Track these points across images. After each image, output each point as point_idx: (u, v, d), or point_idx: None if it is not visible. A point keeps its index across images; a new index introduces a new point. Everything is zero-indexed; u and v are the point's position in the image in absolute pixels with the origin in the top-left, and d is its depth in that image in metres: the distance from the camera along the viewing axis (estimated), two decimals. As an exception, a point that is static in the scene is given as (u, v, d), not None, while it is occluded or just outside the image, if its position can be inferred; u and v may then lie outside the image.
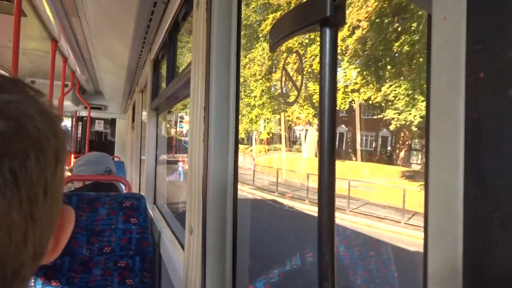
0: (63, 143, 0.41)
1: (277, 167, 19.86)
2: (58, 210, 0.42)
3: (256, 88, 23.20)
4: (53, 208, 0.40)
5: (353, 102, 20.37)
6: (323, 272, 0.45)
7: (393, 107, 16.61)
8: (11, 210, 0.34)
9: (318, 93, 0.46)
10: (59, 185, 0.41)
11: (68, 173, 3.31)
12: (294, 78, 0.79)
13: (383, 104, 18.08)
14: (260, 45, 22.47)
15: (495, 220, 0.38)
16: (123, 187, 2.84)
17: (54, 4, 3.01)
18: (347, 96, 19.73)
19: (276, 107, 23.93)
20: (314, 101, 21.90)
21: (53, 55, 3.82)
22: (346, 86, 19.47)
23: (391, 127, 17.58)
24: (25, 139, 0.36)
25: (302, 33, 0.49)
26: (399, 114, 16.26)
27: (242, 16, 1.23)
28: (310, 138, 24.33)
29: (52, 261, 2.12)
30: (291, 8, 0.51)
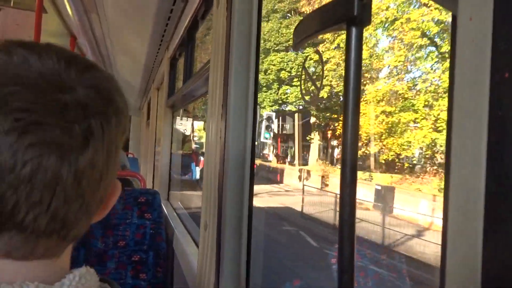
0: (127, 120, 0.53)
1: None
2: (116, 172, 0.51)
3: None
4: (116, 167, 0.50)
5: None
6: (343, 266, 0.45)
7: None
8: (98, 152, 0.44)
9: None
10: (119, 151, 0.51)
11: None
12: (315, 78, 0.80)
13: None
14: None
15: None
16: (138, 182, 2.88)
17: (74, 0, 3.06)
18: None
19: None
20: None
21: (72, 51, 3.88)
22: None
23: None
24: (112, 106, 0.48)
25: (327, 32, 0.50)
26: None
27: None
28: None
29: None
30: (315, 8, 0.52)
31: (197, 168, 15.09)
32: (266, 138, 17.76)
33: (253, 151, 1.27)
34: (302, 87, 0.85)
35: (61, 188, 0.42)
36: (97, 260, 2.12)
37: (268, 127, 16.79)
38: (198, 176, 14.27)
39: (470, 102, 0.42)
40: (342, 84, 0.47)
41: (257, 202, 13.76)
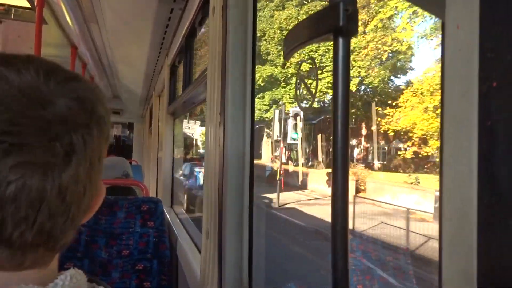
0: (110, 128, 0.54)
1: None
2: (100, 178, 0.53)
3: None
4: (99, 175, 0.52)
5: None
6: (337, 277, 0.45)
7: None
8: (81, 166, 0.46)
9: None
10: (102, 159, 0.52)
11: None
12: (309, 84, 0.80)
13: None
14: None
15: (510, 227, 0.38)
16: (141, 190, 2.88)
17: (74, 11, 3.07)
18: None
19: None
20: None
21: (72, 61, 3.90)
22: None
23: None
24: (94, 117, 0.49)
25: (315, 42, 0.50)
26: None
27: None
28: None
29: (72, 264, 2.15)
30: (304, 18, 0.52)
31: (200, 173, 14.74)
32: (294, 139, 14.57)
33: (252, 157, 1.27)
34: (298, 93, 0.85)
35: (45, 205, 0.44)
36: (102, 270, 2.12)
37: (295, 126, 13.81)
38: (202, 182, 14.08)
39: (460, 111, 0.41)
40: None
41: (288, 215, 11.93)
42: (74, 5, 2.92)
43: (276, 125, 15.01)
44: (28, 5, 3.03)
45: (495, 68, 0.38)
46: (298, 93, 0.83)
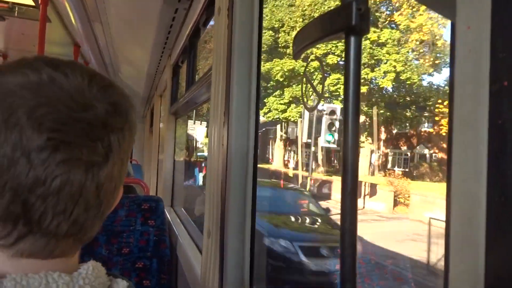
0: (136, 133, 0.58)
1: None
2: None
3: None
4: (125, 173, 0.56)
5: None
6: (345, 274, 0.45)
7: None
8: (115, 165, 0.51)
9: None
10: (128, 159, 0.57)
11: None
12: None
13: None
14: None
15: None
16: (142, 189, 2.88)
17: (77, 10, 3.08)
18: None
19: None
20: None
21: (75, 59, 3.91)
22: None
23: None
24: (127, 122, 0.53)
25: (326, 41, 0.50)
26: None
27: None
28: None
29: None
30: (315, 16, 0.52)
31: (200, 174, 14.57)
32: (329, 142, 11.14)
33: (256, 158, 1.27)
34: (304, 94, 0.85)
35: (83, 199, 0.48)
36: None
37: (331, 126, 10.81)
38: (201, 183, 13.99)
39: (470, 111, 0.42)
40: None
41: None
42: (78, 3, 2.92)
43: (306, 124, 13.49)
44: (32, 3, 3.04)
45: (505, 68, 0.39)
46: (304, 93, 0.84)
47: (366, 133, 19.78)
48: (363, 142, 19.50)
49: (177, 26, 2.51)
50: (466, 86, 0.43)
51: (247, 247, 1.27)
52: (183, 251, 2.15)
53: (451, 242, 0.47)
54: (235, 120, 1.24)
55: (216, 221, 1.34)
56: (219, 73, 1.36)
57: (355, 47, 0.44)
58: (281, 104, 21.60)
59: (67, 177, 0.46)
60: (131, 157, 7.39)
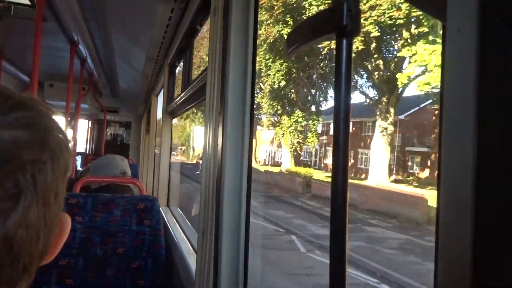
0: (70, 156, 0.48)
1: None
2: (60, 214, 0.47)
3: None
4: (59, 211, 0.46)
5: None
6: (334, 271, 0.46)
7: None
8: (30, 209, 0.40)
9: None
10: (64, 191, 0.47)
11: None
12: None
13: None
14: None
15: (507, 226, 0.39)
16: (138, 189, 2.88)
17: (73, 9, 3.07)
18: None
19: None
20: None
21: (71, 58, 3.90)
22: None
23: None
24: (46, 150, 0.42)
25: (317, 42, 0.50)
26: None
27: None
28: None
29: (67, 260, 2.14)
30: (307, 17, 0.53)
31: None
32: None
33: (250, 158, 1.28)
34: (298, 95, 0.85)
35: None
36: (96, 268, 2.11)
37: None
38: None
39: (459, 111, 0.42)
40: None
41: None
42: (74, 2, 2.92)
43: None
44: (29, 2, 3.03)
45: (494, 70, 0.39)
46: (298, 94, 0.84)
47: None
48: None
49: (174, 26, 2.51)
50: (455, 87, 0.43)
51: (242, 246, 1.27)
52: (179, 251, 2.15)
53: (440, 239, 0.47)
54: (230, 120, 1.24)
55: (210, 221, 1.34)
56: (214, 73, 1.36)
57: (346, 49, 0.45)
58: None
59: None
60: (128, 157, 7.39)
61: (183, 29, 2.40)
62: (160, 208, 2.39)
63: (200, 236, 1.46)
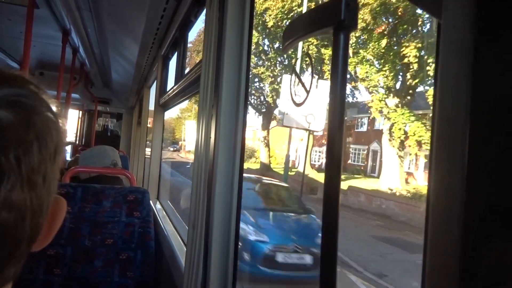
0: (62, 137, 0.45)
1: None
2: (53, 198, 0.45)
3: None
4: (49, 195, 0.44)
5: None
6: (325, 271, 0.46)
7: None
8: (13, 191, 0.38)
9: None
10: (56, 175, 0.44)
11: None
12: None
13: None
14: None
15: (496, 225, 0.39)
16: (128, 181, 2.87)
17: (67, -4, 3.03)
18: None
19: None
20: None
21: (63, 47, 3.85)
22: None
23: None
24: (31, 131, 0.40)
25: (314, 36, 0.51)
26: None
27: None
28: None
29: (55, 251, 2.13)
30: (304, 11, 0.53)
31: None
32: None
33: (243, 151, 1.28)
34: (292, 90, 0.86)
35: None
36: (85, 258, 2.11)
37: None
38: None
39: (453, 110, 0.43)
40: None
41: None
42: (68, -10, 2.88)
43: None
44: (20, -12, 2.98)
45: (489, 68, 0.39)
46: (293, 89, 0.84)
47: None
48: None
49: (168, 17, 2.49)
50: (449, 85, 0.44)
51: (232, 239, 1.28)
52: (168, 243, 2.15)
53: (429, 237, 0.48)
54: (223, 113, 1.24)
55: (201, 214, 1.34)
56: (208, 65, 1.35)
57: (343, 42, 0.45)
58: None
59: None
60: (118, 148, 7.34)
61: (177, 20, 2.39)
62: (151, 201, 2.39)
63: (191, 229, 1.46)
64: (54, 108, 0.45)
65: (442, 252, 0.46)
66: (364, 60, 15.30)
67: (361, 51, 15.28)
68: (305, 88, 0.83)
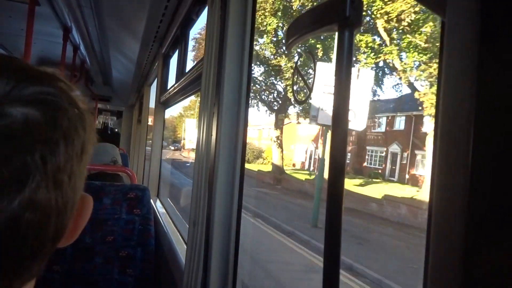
0: (90, 136, 0.44)
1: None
2: (79, 196, 0.45)
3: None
4: (75, 194, 0.43)
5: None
6: (328, 271, 0.46)
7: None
8: (38, 191, 0.37)
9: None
10: (82, 173, 0.44)
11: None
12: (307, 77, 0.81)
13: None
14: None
15: (500, 222, 0.40)
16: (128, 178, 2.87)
17: (68, -6, 3.03)
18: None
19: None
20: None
21: (64, 45, 3.84)
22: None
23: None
24: (57, 130, 0.39)
25: (319, 33, 0.51)
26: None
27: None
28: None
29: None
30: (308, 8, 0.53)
31: None
32: None
33: (244, 149, 1.28)
34: (294, 87, 0.86)
35: None
36: (84, 255, 2.11)
37: None
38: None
39: (457, 107, 0.43)
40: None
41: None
42: (69, -13, 2.88)
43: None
44: (22, -15, 2.98)
45: (493, 66, 0.40)
46: (295, 87, 0.84)
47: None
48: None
49: (169, 15, 2.49)
50: (454, 82, 0.44)
51: (233, 237, 1.28)
52: (168, 240, 2.15)
53: (432, 234, 0.48)
54: (225, 111, 1.24)
55: (202, 211, 1.34)
56: (210, 63, 1.35)
57: (348, 40, 0.45)
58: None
59: None
60: (118, 146, 7.33)
61: (178, 18, 2.39)
62: (151, 199, 2.39)
63: (191, 227, 1.46)
64: (82, 106, 0.44)
65: (445, 251, 0.46)
66: (410, 46, 14.14)
67: (408, 35, 13.99)
68: (307, 86, 0.83)
